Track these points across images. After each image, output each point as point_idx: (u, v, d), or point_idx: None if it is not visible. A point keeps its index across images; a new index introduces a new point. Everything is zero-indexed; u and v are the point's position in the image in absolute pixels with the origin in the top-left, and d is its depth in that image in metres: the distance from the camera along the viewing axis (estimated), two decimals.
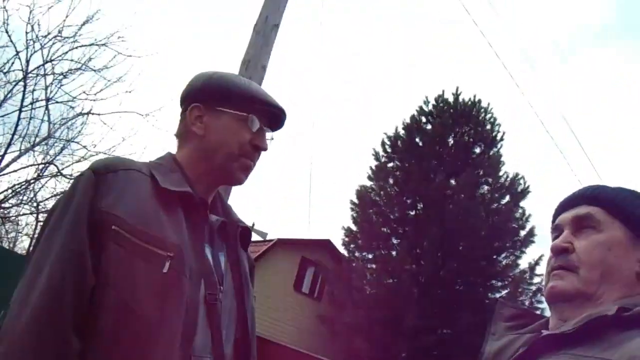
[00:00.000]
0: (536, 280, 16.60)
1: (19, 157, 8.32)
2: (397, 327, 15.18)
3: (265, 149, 1.56)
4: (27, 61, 7.76)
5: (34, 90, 7.95)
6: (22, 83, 7.78)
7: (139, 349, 1.22)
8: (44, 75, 7.93)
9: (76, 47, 8.21)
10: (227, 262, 1.51)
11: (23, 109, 7.81)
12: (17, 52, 7.66)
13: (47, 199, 8.78)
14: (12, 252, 9.86)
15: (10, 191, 8.36)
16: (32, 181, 8.46)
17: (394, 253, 17.71)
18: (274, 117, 1.59)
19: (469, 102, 18.62)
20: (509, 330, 1.26)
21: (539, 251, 17.55)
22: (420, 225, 16.79)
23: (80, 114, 8.53)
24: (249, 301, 1.53)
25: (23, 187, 8.44)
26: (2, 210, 8.74)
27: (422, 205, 17.76)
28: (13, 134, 7.93)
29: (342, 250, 18.68)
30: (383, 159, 18.63)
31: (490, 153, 18.15)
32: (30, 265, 1.27)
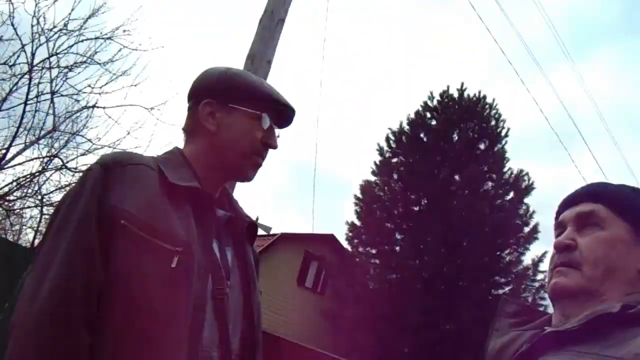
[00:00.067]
0: (540, 276, 16.59)
1: (23, 150, 8.34)
2: (400, 323, 15.19)
3: (275, 148, 1.57)
4: (33, 54, 7.78)
5: (39, 83, 7.96)
6: (27, 76, 7.78)
7: (148, 344, 1.22)
8: (49, 68, 7.95)
9: (81, 41, 8.22)
10: (234, 257, 1.51)
11: (28, 102, 7.82)
12: (23, 45, 7.67)
13: (51, 192, 8.80)
14: (16, 245, 9.88)
15: (15, 184, 8.38)
16: (36, 174, 8.48)
17: (397, 248, 17.73)
18: (284, 115, 1.60)
19: (474, 98, 18.60)
20: (512, 326, 1.26)
21: (542, 248, 17.52)
22: (423, 221, 16.79)
23: (85, 107, 8.54)
24: (255, 296, 1.54)
25: (28, 180, 8.46)
26: (6, 203, 8.76)
27: (426, 201, 17.75)
28: (18, 127, 7.95)
29: (346, 245, 18.72)
30: (387, 154, 18.63)
31: (495, 149, 18.13)
32: (38, 260, 1.28)
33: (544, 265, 16.39)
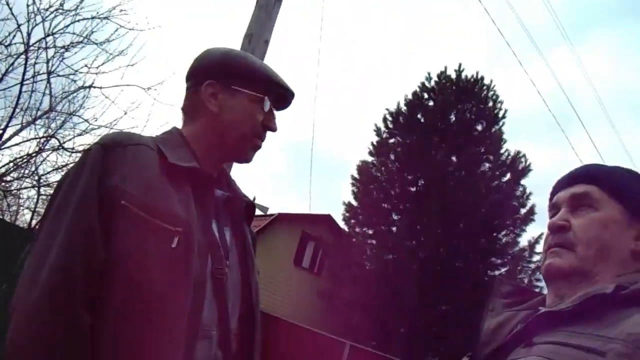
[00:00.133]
0: (535, 258, 16.65)
1: (20, 130, 8.32)
2: (396, 303, 15.26)
3: (275, 130, 1.58)
4: (29, 34, 7.72)
5: (35, 63, 7.91)
6: (23, 56, 7.74)
7: (148, 323, 1.24)
8: (46, 48, 7.90)
9: (78, 20, 8.16)
10: (232, 237, 1.52)
11: (24, 83, 7.78)
12: (19, 25, 7.61)
13: (48, 173, 8.79)
14: (14, 226, 9.89)
15: (11, 165, 8.36)
16: (33, 155, 8.47)
17: (394, 229, 17.76)
18: (284, 98, 1.62)
19: (472, 79, 18.53)
20: (506, 307, 1.27)
21: (539, 229, 17.57)
22: (420, 202, 16.80)
23: (82, 87, 8.50)
24: (254, 276, 1.55)
25: (24, 160, 8.45)
26: (3, 183, 8.75)
27: (422, 182, 17.76)
28: (15, 108, 7.92)
29: (343, 225, 18.75)
30: (384, 135, 18.60)
31: (492, 130, 18.10)
32: (38, 240, 1.28)
33: (540, 247, 16.40)
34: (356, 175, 18.50)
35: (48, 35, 7.84)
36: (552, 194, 1.34)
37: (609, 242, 1.17)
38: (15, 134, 8.27)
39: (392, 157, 18.35)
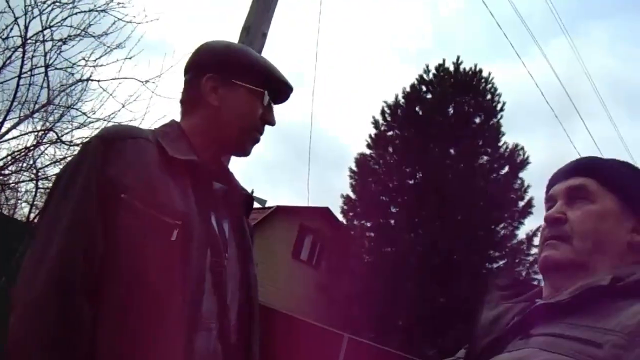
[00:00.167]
0: (533, 251, 16.66)
1: (18, 123, 8.29)
2: (394, 296, 15.28)
3: (274, 124, 1.60)
4: (26, 27, 7.67)
5: (32, 56, 7.86)
6: (21, 49, 7.69)
7: (148, 316, 1.24)
8: (43, 41, 7.85)
9: (75, 13, 8.10)
10: (231, 230, 1.53)
11: (22, 76, 7.74)
12: (16, 18, 7.57)
13: (46, 166, 8.76)
14: (12, 219, 9.88)
15: (9, 158, 8.33)
16: (31, 148, 8.43)
17: (392, 222, 17.78)
18: (283, 93, 1.63)
19: (470, 72, 18.52)
20: (504, 299, 1.28)
21: (537, 222, 17.58)
22: (419, 195, 16.81)
23: (80, 80, 8.45)
24: (252, 268, 1.56)
25: (22, 154, 8.41)
26: (1, 177, 8.73)
27: (421, 175, 17.77)
28: (12, 101, 7.88)
29: (341, 218, 18.76)
30: (383, 128, 18.59)
31: (490, 123, 18.11)
32: (39, 233, 1.29)
33: (538, 240, 16.47)
34: (354, 168, 18.50)
35: (45, 28, 7.80)
36: (549, 187, 1.34)
37: (605, 235, 1.17)
38: (13, 127, 8.25)
39: (390, 149, 18.35)
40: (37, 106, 8.28)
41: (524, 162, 17.64)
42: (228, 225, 1.52)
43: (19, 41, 7.69)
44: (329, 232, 18.90)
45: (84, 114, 8.52)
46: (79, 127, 8.64)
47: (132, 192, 1.30)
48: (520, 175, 17.59)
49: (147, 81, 8.29)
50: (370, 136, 18.62)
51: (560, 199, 1.27)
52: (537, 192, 17.63)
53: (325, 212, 19.56)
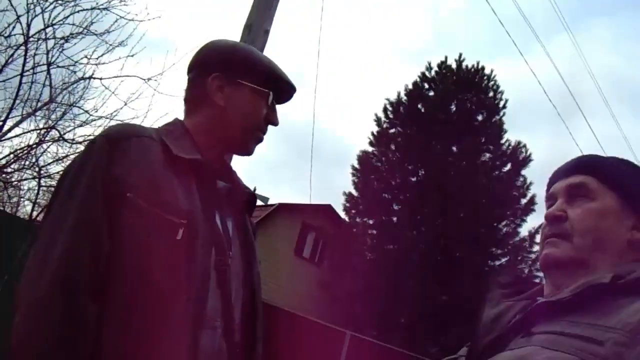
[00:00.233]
0: (536, 248, 16.61)
1: (20, 122, 8.29)
2: (396, 293, 15.28)
3: (277, 124, 1.61)
4: (28, 25, 7.68)
5: (35, 54, 7.87)
6: (23, 47, 7.70)
7: (153, 314, 1.25)
8: (45, 39, 7.86)
9: (77, 11, 8.11)
10: (234, 228, 1.54)
11: (24, 74, 7.74)
12: (18, 16, 7.57)
13: (49, 164, 8.76)
14: (14, 217, 9.89)
15: (12, 156, 8.34)
16: (34, 146, 8.43)
17: (394, 219, 17.78)
18: (287, 94, 1.65)
19: (472, 69, 18.50)
20: (505, 297, 1.28)
21: (539, 220, 17.58)
22: (421, 192, 16.81)
23: (82, 78, 8.45)
24: (255, 266, 1.57)
25: (25, 152, 8.41)
26: (4, 175, 8.74)
27: (423, 172, 17.77)
28: (15, 99, 7.89)
29: (343, 215, 18.77)
30: (385, 125, 18.60)
31: (493, 120, 18.09)
32: (44, 231, 1.29)
33: (539, 238, 16.45)
34: (357, 166, 18.50)
35: (48, 27, 7.80)
36: (549, 185, 1.35)
37: (605, 232, 1.18)
38: (16, 125, 8.26)
39: (393, 147, 18.35)
40: (39, 104, 8.29)
41: (527, 160, 17.64)
42: (232, 224, 1.53)
43: (21, 39, 7.71)
44: (332, 229, 18.90)
45: (86, 112, 8.53)
46: (81, 125, 8.66)
47: (137, 191, 1.30)
48: (523, 172, 17.62)
49: (149, 79, 8.30)
50: (372, 133, 18.65)
51: (561, 197, 1.27)
52: (539, 190, 17.64)
53: (328, 209, 19.56)
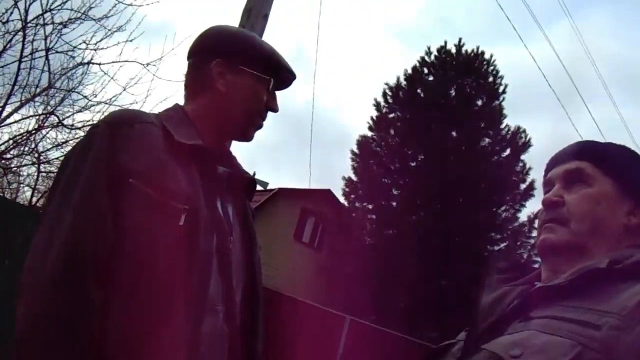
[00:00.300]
0: (535, 233, 16.56)
1: (19, 107, 8.27)
2: (396, 278, 15.32)
3: (277, 111, 1.62)
4: (26, 11, 7.65)
5: (33, 40, 7.83)
6: (21, 33, 7.67)
7: (156, 299, 1.26)
8: (44, 24, 7.82)
9: None
10: (234, 213, 1.55)
11: (23, 60, 7.72)
12: (16, 2, 7.53)
13: (48, 150, 8.76)
14: (14, 203, 9.90)
15: (11, 142, 8.33)
16: (33, 132, 8.42)
17: (394, 204, 17.80)
18: (287, 81, 1.65)
19: (472, 54, 18.44)
20: (503, 282, 1.29)
21: (538, 205, 17.51)
22: (420, 177, 16.82)
23: (81, 63, 8.43)
24: (256, 251, 1.58)
25: (24, 137, 8.40)
26: (3, 161, 8.73)
27: (422, 157, 17.76)
28: (13, 85, 7.86)
29: (343, 200, 18.79)
30: (384, 110, 18.57)
31: (492, 105, 18.06)
32: (47, 218, 1.30)
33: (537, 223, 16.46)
34: (356, 150, 18.50)
35: (46, 12, 7.77)
36: (547, 171, 1.36)
37: (602, 217, 1.19)
38: (14, 111, 8.24)
39: (392, 132, 18.33)
40: (38, 90, 8.27)
41: (526, 145, 17.63)
42: (232, 209, 1.54)
43: (19, 25, 7.67)
44: (331, 214, 18.91)
45: (85, 97, 8.51)
46: (80, 111, 8.64)
47: (139, 176, 1.31)
48: (522, 157, 17.61)
49: (148, 64, 8.27)
50: (372, 118, 18.63)
51: (558, 183, 1.28)
52: (538, 175, 17.64)
53: (327, 194, 19.58)
